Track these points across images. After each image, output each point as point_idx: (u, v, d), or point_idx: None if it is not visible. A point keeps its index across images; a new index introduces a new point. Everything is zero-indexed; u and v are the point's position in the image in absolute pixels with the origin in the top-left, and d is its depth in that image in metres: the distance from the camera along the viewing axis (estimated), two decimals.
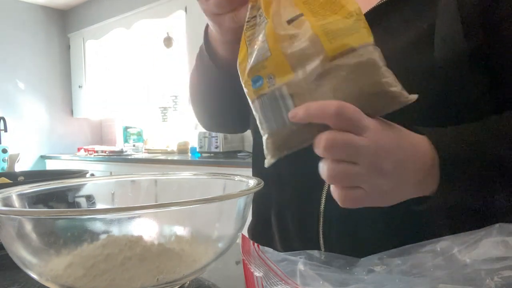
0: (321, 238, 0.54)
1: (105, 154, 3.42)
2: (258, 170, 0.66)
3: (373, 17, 0.46)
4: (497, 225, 0.37)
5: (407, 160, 0.38)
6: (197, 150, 2.85)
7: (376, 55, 0.35)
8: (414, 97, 0.36)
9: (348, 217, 0.51)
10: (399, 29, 0.48)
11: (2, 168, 2.07)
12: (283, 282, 0.33)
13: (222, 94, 0.66)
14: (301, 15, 0.36)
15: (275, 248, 0.48)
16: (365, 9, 0.47)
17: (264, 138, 0.39)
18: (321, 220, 0.53)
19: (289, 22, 0.37)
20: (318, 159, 0.37)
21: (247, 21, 0.40)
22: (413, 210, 0.43)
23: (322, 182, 0.53)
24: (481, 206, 0.44)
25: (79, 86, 4.17)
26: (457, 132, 0.42)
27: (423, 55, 0.46)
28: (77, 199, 0.52)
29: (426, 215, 0.48)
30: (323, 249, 0.54)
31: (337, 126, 0.35)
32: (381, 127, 0.37)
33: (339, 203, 0.38)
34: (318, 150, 0.37)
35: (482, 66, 0.46)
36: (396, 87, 0.36)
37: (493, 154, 0.41)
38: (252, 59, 0.38)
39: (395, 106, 0.36)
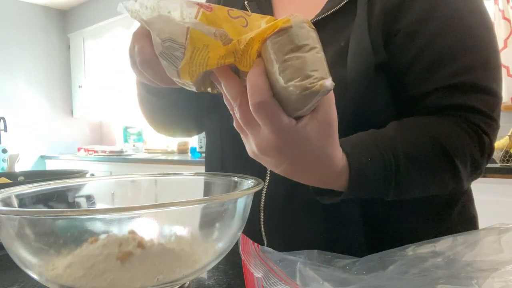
0: (263, 231, 0.58)
1: (105, 154, 3.42)
2: (207, 169, 0.70)
3: None
4: (497, 224, 0.37)
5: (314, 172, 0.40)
6: (197, 150, 2.85)
7: None
8: None
9: (285, 212, 0.56)
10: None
11: (2, 168, 2.08)
12: (283, 282, 0.33)
13: (171, 111, 0.69)
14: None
15: None
16: None
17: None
18: (262, 215, 0.57)
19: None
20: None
21: None
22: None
23: (262, 178, 0.57)
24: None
25: (79, 86, 4.17)
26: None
27: (339, 70, 0.50)
28: (77, 199, 0.52)
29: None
30: (265, 242, 0.58)
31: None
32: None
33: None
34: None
35: (385, 78, 0.52)
36: None
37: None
38: None
39: None
